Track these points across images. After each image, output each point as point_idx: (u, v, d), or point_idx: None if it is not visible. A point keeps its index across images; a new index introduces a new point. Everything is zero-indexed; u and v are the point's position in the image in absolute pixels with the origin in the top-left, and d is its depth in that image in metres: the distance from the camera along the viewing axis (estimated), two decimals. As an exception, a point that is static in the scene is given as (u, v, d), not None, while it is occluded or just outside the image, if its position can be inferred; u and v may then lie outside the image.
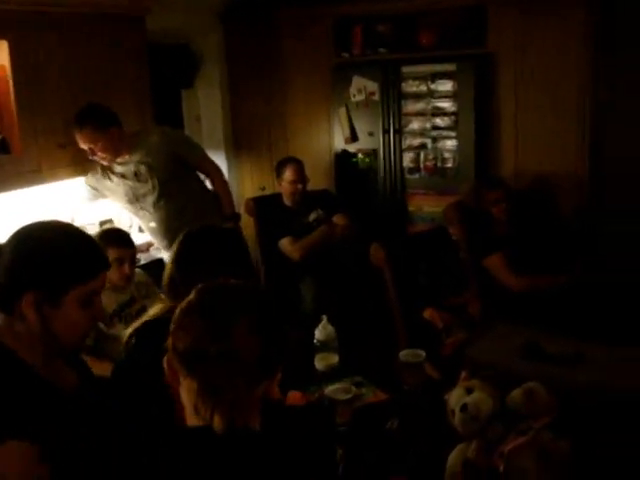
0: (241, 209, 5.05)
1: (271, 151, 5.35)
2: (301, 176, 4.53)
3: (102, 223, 4.03)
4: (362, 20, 4.87)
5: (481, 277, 4.04)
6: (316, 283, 4.42)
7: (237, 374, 1.32)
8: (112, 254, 3.18)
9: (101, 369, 2.90)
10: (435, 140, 4.70)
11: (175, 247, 2.16)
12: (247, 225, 5.17)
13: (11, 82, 3.54)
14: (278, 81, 5.28)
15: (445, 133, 4.65)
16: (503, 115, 4.57)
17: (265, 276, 4.85)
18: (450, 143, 4.65)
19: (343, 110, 4.91)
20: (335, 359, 2.38)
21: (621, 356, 1.89)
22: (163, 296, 3.53)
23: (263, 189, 5.42)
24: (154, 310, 2.15)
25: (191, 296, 1.41)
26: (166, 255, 4.00)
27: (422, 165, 4.77)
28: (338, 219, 4.55)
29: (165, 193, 3.81)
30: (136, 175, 3.78)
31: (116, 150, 3.71)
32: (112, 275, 3.20)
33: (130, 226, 4.24)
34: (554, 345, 1.91)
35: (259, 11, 5.19)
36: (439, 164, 4.71)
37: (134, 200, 3.85)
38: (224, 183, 4.07)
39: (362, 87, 4.82)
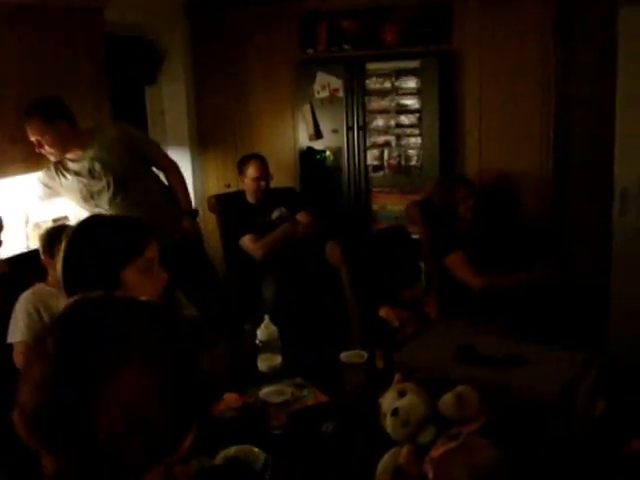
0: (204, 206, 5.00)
1: (236, 148, 5.27)
2: (264, 173, 4.48)
3: (56, 220, 3.93)
4: (327, 16, 4.80)
5: (442, 276, 4.01)
6: (277, 281, 4.37)
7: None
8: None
9: None
10: (399, 138, 4.65)
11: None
12: (210, 223, 5.12)
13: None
14: (243, 77, 5.21)
15: (409, 131, 4.61)
16: (467, 113, 4.53)
17: (227, 274, 4.79)
18: (414, 141, 4.61)
19: (307, 107, 4.85)
20: (278, 360, 2.32)
21: (558, 358, 1.84)
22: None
23: (228, 186, 5.35)
24: None
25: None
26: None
27: (386, 163, 4.72)
28: (301, 217, 4.51)
29: (120, 190, 3.74)
30: (90, 172, 3.71)
31: (64, 146, 3.63)
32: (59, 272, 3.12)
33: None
34: (491, 347, 1.85)
35: (225, 6, 5.12)
36: (403, 162, 4.67)
37: (89, 198, 3.77)
38: (181, 178, 4.00)
39: (326, 84, 4.76)
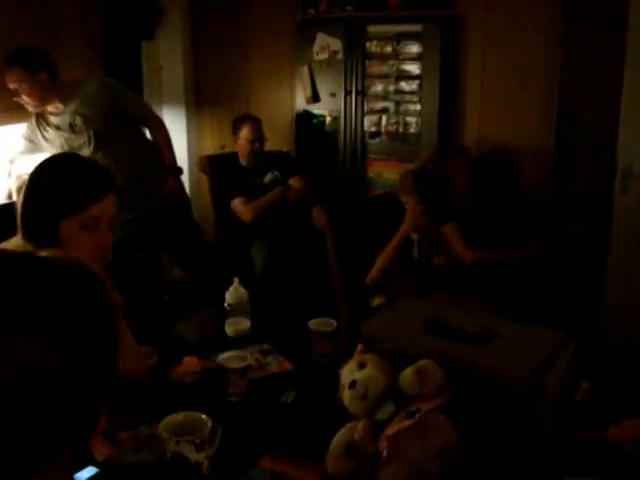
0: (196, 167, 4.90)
1: (232, 108, 5.14)
2: (258, 135, 4.36)
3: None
4: (331, -25, 4.64)
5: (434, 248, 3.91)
6: (267, 247, 4.27)
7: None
8: None
9: None
10: (398, 104, 4.51)
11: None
12: (202, 184, 5.03)
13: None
14: (243, 36, 5.08)
15: (408, 97, 4.47)
16: (469, 81, 4.39)
17: (217, 237, 4.70)
18: (413, 108, 4.47)
19: (306, 69, 4.71)
20: (246, 324, 2.23)
21: (534, 337, 1.73)
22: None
23: (223, 147, 5.24)
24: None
25: None
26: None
27: (384, 129, 4.59)
28: (294, 182, 4.40)
29: (101, 146, 3.63)
30: (71, 127, 3.59)
31: (43, 97, 3.51)
32: None
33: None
34: (463, 321, 1.74)
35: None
36: (401, 129, 4.54)
37: (67, 150, 3.66)
38: (166, 135, 3.87)
39: (326, 45, 4.62)
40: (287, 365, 2.05)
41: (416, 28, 4.33)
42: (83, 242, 1.75)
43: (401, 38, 4.39)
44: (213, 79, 5.26)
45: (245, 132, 4.36)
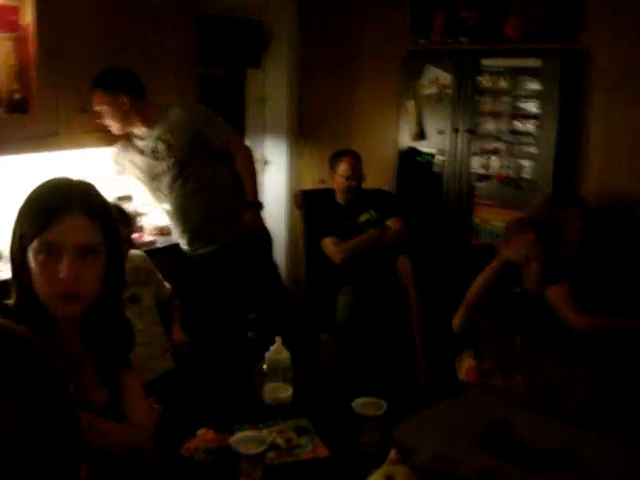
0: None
1: (334, 142, 4.88)
2: (357, 172, 4.08)
3: (120, 199, 3.70)
4: (445, 4, 4.31)
5: (539, 308, 3.45)
6: (354, 292, 3.95)
7: None
8: None
9: None
10: (511, 145, 4.09)
11: None
12: (295, 219, 4.80)
13: (33, 37, 3.28)
14: (350, 67, 4.82)
15: (523, 138, 4.04)
16: (592, 123, 3.91)
17: (307, 277, 4.43)
18: (527, 150, 4.03)
19: (412, 103, 4.38)
20: (286, 392, 1.90)
21: (632, 464, 1.30)
22: (167, 285, 3.20)
23: (323, 182, 4.96)
24: None
25: None
26: (182, 241, 3.65)
27: (493, 173, 4.17)
28: (392, 223, 4.06)
29: (181, 175, 3.46)
30: (153, 152, 3.45)
31: (125, 120, 3.41)
32: None
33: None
34: (536, 432, 1.33)
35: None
36: (513, 173, 4.10)
37: (150, 179, 3.52)
38: (250, 167, 3.63)
39: (435, 79, 4.27)
40: (322, 451, 1.70)
41: (535, 62, 3.90)
42: (38, 276, 1.40)
43: (517, 73, 3.98)
44: (316, 111, 5.03)
45: (342, 168, 4.08)
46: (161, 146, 3.42)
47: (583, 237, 3.35)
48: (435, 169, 4.38)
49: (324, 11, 4.87)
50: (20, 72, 3.31)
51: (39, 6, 3.26)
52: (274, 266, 4.02)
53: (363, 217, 4.12)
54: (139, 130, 3.47)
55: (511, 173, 4.11)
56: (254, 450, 1.51)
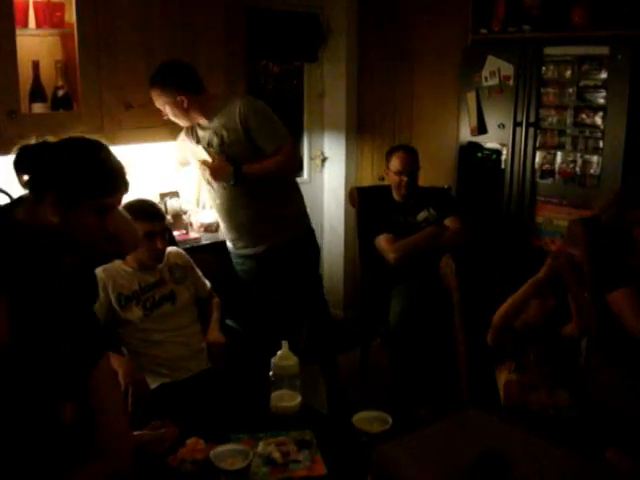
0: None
1: (394, 137, 4.73)
2: (409, 166, 3.92)
3: (163, 195, 3.66)
4: (508, -9, 4.09)
5: (601, 314, 3.20)
6: (408, 293, 3.78)
7: None
8: (140, 229, 2.80)
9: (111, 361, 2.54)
10: (576, 140, 3.83)
11: None
12: (349, 216, 4.68)
13: (77, 33, 3.27)
14: (409, 59, 4.64)
15: (589, 132, 3.78)
16: (664, 115, 3.62)
17: (362, 278, 4.28)
18: (594, 145, 3.77)
19: (472, 95, 4.18)
20: (294, 401, 1.78)
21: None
22: (207, 282, 3.13)
23: (382, 179, 4.82)
24: None
25: None
26: (228, 238, 3.57)
27: (558, 169, 3.93)
28: (450, 222, 3.89)
29: None
30: (209, 144, 3.38)
31: (186, 116, 3.35)
32: (140, 252, 2.83)
33: (197, 201, 3.84)
34: (535, 464, 1.15)
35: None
36: (578, 170, 3.85)
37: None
38: (276, 163, 3.36)
39: (496, 70, 4.06)
40: (319, 469, 1.56)
41: (602, 50, 3.64)
42: (92, 226, 1.74)
43: (583, 62, 3.72)
44: (375, 106, 4.88)
45: (394, 163, 3.94)
46: (216, 140, 3.33)
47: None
48: (496, 165, 4.16)
49: (382, 3, 4.71)
50: (65, 68, 3.31)
51: (84, 2, 3.24)
52: (319, 278, 3.88)
53: (421, 215, 3.96)
54: (202, 121, 3.39)
55: (577, 169, 3.86)
56: (235, 465, 1.40)
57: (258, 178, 3.32)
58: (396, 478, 1.12)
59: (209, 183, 3.44)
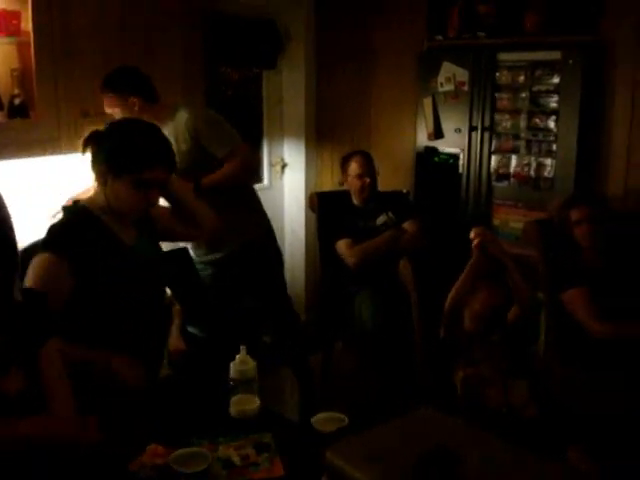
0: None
1: (353, 143, 4.77)
2: (368, 169, 3.97)
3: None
4: (462, -1, 4.17)
5: (556, 313, 3.28)
6: (375, 298, 3.80)
7: None
8: None
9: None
10: (530, 143, 3.92)
11: None
12: (310, 221, 4.70)
13: (34, 41, 3.25)
14: (367, 66, 4.70)
15: (543, 136, 3.87)
16: (615, 118, 3.72)
17: (322, 282, 4.31)
18: (548, 148, 3.86)
19: (429, 101, 4.24)
20: (253, 404, 1.80)
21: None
22: (167, 290, 3.12)
23: (342, 184, 4.86)
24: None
25: None
26: (189, 246, 3.56)
27: (513, 172, 4.01)
28: (408, 226, 3.93)
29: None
30: None
31: None
32: None
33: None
34: (482, 459, 1.18)
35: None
36: (533, 173, 3.93)
37: None
38: (235, 170, 3.38)
39: (451, 75, 4.13)
40: (278, 470, 1.58)
41: (554, 55, 3.73)
42: (132, 198, 2.13)
43: (536, 67, 3.81)
44: (334, 112, 4.92)
45: (352, 168, 3.98)
46: None
47: (596, 239, 3.18)
48: (453, 169, 4.23)
49: (340, 10, 4.75)
50: (21, 77, 3.28)
51: (39, 10, 3.23)
52: (282, 282, 3.90)
53: (380, 220, 3.99)
54: None
55: (531, 172, 3.95)
56: (194, 468, 1.41)
57: (218, 187, 3.32)
58: (348, 476, 1.14)
59: None
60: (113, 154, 2.12)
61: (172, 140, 3.27)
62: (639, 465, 2.43)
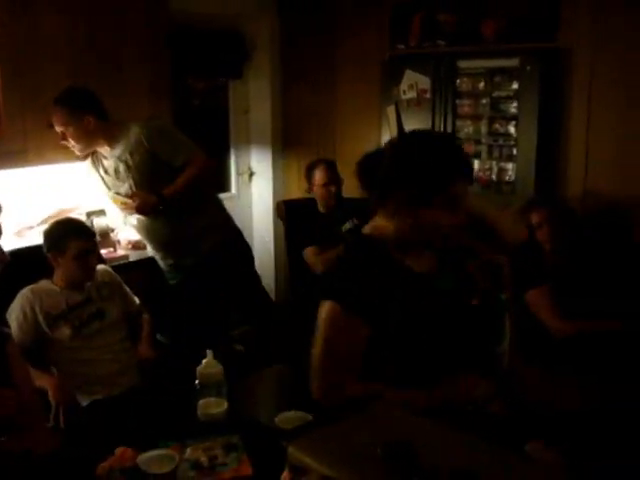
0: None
1: (319, 151, 4.83)
2: (333, 177, 4.03)
3: (90, 214, 3.66)
4: (422, 8, 4.25)
5: (519, 313, 3.35)
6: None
7: None
8: (75, 247, 2.82)
9: (41, 380, 2.53)
10: (491, 148, 4.01)
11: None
12: (278, 230, 4.75)
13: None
14: (331, 75, 4.77)
15: (503, 140, 3.96)
16: (572, 123, 3.82)
17: (291, 287, 4.36)
18: (508, 152, 3.95)
19: (392, 109, 4.32)
20: (221, 407, 1.84)
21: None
22: (136, 299, 3.15)
23: (309, 192, 4.92)
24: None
25: None
26: (155, 256, 3.59)
27: (475, 176, 4.08)
28: (375, 231, 3.97)
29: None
30: (115, 173, 3.38)
31: (89, 140, 3.32)
32: (72, 270, 2.85)
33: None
34: (439, 449, 1.23)
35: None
36: (494, 176, 4.02)
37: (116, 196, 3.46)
38: (195, 172, 3.35)
39: (414, 83, 4.21)
40: (245, 470, 1.63)
41: (512, 62, 3.83)
42: (449, 219, 1.79)
43: (495, 74, 3.91)
44: (301, 121, 4.98)
45: (318, 176, 4.04)
46: (122, 167, 3.33)
47: (555, 240, 3.27)
48: (418, 175, 4.30)
49: (304, 20, 4.82)
50: (-14, 91, 3.30)
51: (4, 23, 3.26)
52: (255, 277, 3.92)
53: (346, 226, 4.04)
54: (103, 150, 3.38)
55: (493, 176, 4.03)
56: (162, 469, 1.45)
57: (182, 194, 3.33)
58: (309, 470, 1.19)
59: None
60: (425, 172, 1.78)
61: (127, 156, 3.30)
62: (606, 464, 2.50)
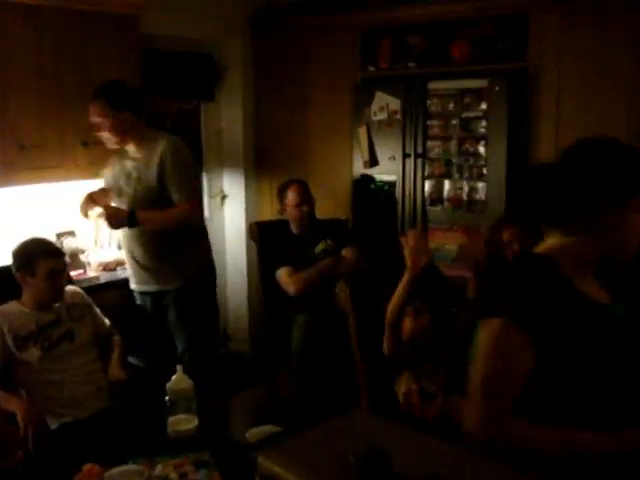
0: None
1: (291, 173, 4.83)
2: (305, 198, 4.02)
3: (60, 235, 3.63)
4: (392, 31, 4.32)
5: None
6: (307, 325, 3.85)
7: None
8: (45, 266, 2.80)
9: (9, 403, 2.49)
10: (461, 168, 4.05)
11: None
12: (251, 252, 4.73)
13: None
14: (303, 96, 4.79)
15: (473, 160, 4.00)
16: (541, 142, 3.87)
17: (265, 309, 4.34)
18: (479, 172, 3.99)
19: (363, 130, 4.35)
20: (191, 424, 1.81)
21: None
22: (107, 320, 3.12)
23: (281, 213, 4.92)
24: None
25: None
26: (129, 274, 3.54)
27: (446, 196, 4.13)
28: (347, 252, 3.98)
29: (136, 208, 3.32)
30: (127, 175, 3.34)
31: (123, 134, 3.27)
32: (41, 291, 2.82)
33: (96, 241, 3.81)
34: (414, 456, 1.22)
35: (287, 20, 4.73)
36: (465, 196, 4.06)
37: (117, 196, 3.41)
38: (175, 217, 3.30)
39: (384, 105, 4.25)
40: (216, 484, 1.61)
41: (481, 83, 3.88)
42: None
43: (465, 95, 3.95)
44: (273, 143, 5.00)
45: (290, 197, 4.03)
46: (134, 173, 3.30)
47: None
48: (388, 195, 4.33)
49: (276, 43, 4.86)
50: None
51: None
52: (214, 307, 3.85)
53: (319, 247, 4.04)
54: (133, 148, 3.33)
55: (464, 196, 4.06)
56: (131, 484, 1.43)
57: (153, 226, 3.29)
58: (279, 478, 1.17)
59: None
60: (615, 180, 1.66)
61: (142, 165, 3.27)
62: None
